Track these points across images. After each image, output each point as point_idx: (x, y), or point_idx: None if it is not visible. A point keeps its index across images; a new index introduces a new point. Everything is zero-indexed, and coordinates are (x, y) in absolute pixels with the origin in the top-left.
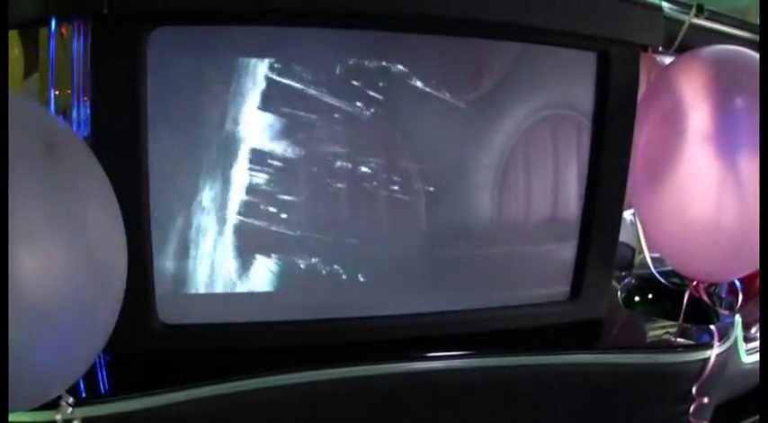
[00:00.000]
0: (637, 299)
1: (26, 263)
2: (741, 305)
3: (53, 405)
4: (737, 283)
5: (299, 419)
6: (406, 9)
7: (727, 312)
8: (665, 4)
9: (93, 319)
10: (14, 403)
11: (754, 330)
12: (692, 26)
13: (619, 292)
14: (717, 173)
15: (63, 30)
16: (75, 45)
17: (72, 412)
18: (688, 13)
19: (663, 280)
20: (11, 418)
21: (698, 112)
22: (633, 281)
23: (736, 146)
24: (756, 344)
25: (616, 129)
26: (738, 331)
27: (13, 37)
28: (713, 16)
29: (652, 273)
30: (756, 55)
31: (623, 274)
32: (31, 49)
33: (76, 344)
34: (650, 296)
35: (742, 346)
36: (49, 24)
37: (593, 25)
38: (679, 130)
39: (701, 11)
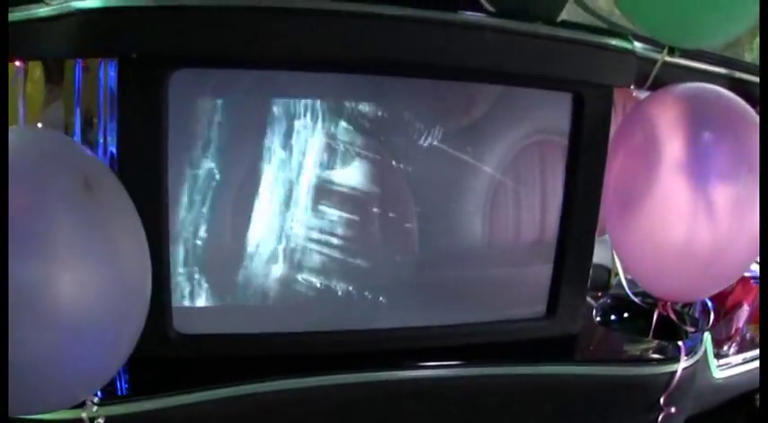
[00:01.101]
0: (613, 317)
1: (65, 284)
2: (713, 324)
3: (80, 404)
4: (709, 304)
5: (300, 420)
6: (402, 57)
7: (692, 329)
8: (639, 45)
9: (121, 334)
10: (49, 405)
11: (726, 347)
12: (666, 64)
13: (594, 311)
14: (687, 200)
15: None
16: (102, 81)
17: (96, 411)
18: (661, 52)
19: (636, 300)
20: (43, 416)
21: (669, 144)
22: (609, 300)
23: (707, 175)
24: (728, 360)
25: (588, 161)
26: (708, 347)
27: (36, 62)
28: (686, 54)
29: (627, 293)
30: (725, 91)
31: (599, 293)
32: (54, 75)
33: (106, 354)
34: (626, 315)
35: (713, 362)
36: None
37: (567, 70)
38: (651, 161)
39: (672, 51)
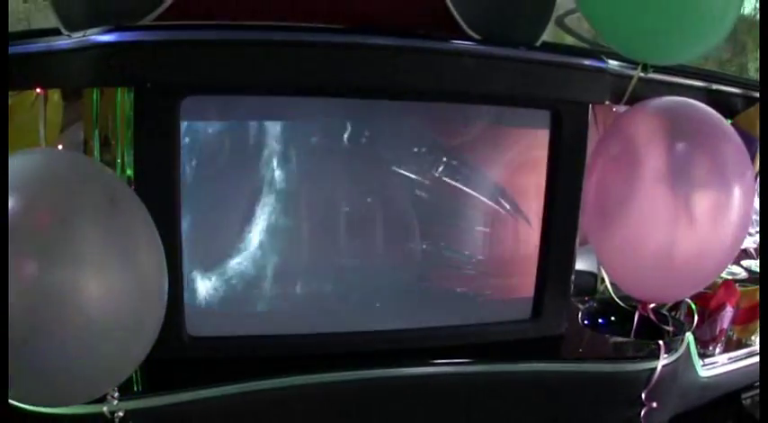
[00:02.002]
0: (600, 320)
1: (92, 288)
2: (697, 325)
3: (101, 399)
4: (693, 306)
5: (299, 415)
6: (392, 82)
7: (671, 329)
8: (615, 63)
9: (141, 333)
10: (75, 397)
11: (711, 348)
12: (644, 80)
13: (580, 314)
14: (663, 209)
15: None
16: (118, 107)
17: (117, 405)
18: (636, 69)
19: (622, 303)
20: (68, 410)
21: (645, 156)
22: (595, 304)
23: (682, 184)
24: (713, 360)
25: (568, 173)
26: (692, 347)
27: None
28: (664, 70)
29: (613, 297)
30: (699, 104)
31: (586, 298)
32: (73, 101)
33: (127, 352)
34: (612, 318)
35: (697, 362)
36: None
37: (545, 89)
38: (629, 172)
39: (645, 68)
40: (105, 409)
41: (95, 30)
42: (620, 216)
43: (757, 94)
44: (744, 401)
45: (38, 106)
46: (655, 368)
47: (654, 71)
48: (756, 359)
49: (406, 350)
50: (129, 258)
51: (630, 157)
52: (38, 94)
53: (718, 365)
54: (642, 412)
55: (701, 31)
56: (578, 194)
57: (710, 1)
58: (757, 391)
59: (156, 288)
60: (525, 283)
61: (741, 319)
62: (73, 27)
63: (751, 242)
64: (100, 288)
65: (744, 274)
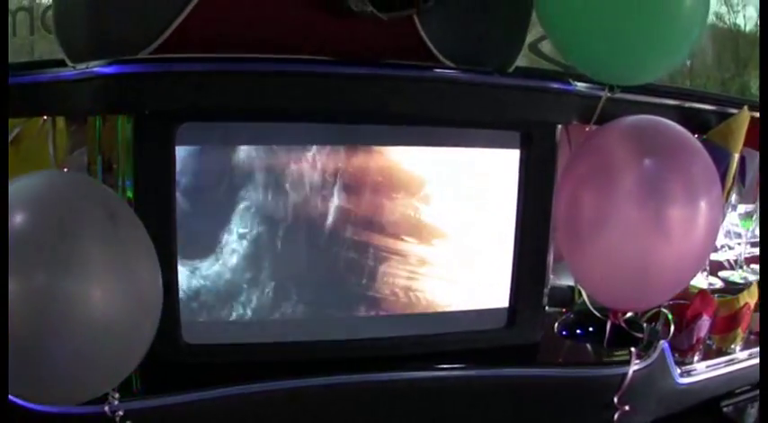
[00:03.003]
0: (578, 331)
1: (93, 296)
2: (674, 334)
3: (103, 399)
4: (669, 316)
5: (285, 418)
6: (374, 108)
7: (641, 336)
8: (584, 85)
9: (137, 337)
10: (77, 396)
11: (690, 356)
12: (616, 100)
13: (557, 324)
14: (633, 223)
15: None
16: (119, 133)
17: (117, 405)
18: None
19: (598, 314)
20: (72, 410)
21: (615, 173)
22: (573, 315)
23: (652, 200)
24: (691, 367)
25: (538, 190)
26: (667, 355)
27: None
28: (632, 90)
29: (590, 309)
30: (666, 121)
31: (564, 310)
32: (77, 127)
33: (124, 354)
34: (590, 329)
35: (674, 369)
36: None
37: (515, 112)
38: (599, 188)
39: (612, 89)
40: (107, 408)
41: (97, 62)
42: (591, 231)
43: (731, 110)
44: (724, 408)
45: (44, 133)
46: (626, 373)
47: (624, 91)
48: (735, 367)
49: (384, 357)
50: (128, 270)
51: (599, 174)
52: (44, 120)
53: (696, 373)
54: (615, 416)
55: (667, 50)
56: (548, 210)
57: (674, 21)
58: (738, 398)
59: (151, 297)
60: (500, 294)
61: (720, 329)
62: (76, 59)
63: (731, 255)
64: (100, 297)
65: (720, 285)
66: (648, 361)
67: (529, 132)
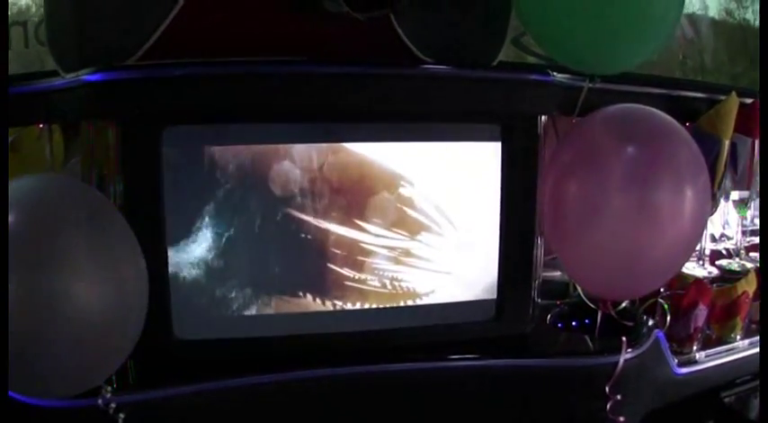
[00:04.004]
0: (573, 323)
1: (74, 291)
2: (670, 324)
3: (96, 392)
4: (665, 306)
5: (273, 409)
6: (357, 106)
7: (631, 324)
8: (565, 76)
9: (123, 331)
10: (68, 387)
11: (688, 345)
12: (598, 90)
13: (549, 316)
14: (620, 212)
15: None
16: (111, 137)
17: (109, 398)
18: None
19: (591, 304)
20: (67, 403)
21: (600, 162)
22: (566, 307)
23: (638, 188)
24: (690, 357)
25: (521, 182)
26: (662, 344)
27: (56, 126)
28: (611, 79)
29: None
30: (650, 109)
31: (558, 302)
32: (72, 137)
33: (110, 348)
34: (586, 320)
35: (670, 358)
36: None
37: (495, 105)
38: (586, 177)
39: (592, 79)
40: (100, 401)
41: (85, 70)
42: (576, 220)
43: (719, 97)
44: (725, 399)
45: (42, 140)
46: (617, 363)
47: (606, 81)
48: (736, 356)
49: (375, 349)
50: (111, 267)
51: (583, 164)
52: (41, 128)
53: (695, 362)
54: (608, 405)
55: (643, 37)
56: (532, 201)
57: (649, 8)
58: (739, 388)
59: (135, 293)
60: (490, 286)
61: (719, 318)
62: (68, 69)
63: (730, 244)
64: (83, 293)
65: (716, 273)
66: (640, 350)
67: (509, 125)
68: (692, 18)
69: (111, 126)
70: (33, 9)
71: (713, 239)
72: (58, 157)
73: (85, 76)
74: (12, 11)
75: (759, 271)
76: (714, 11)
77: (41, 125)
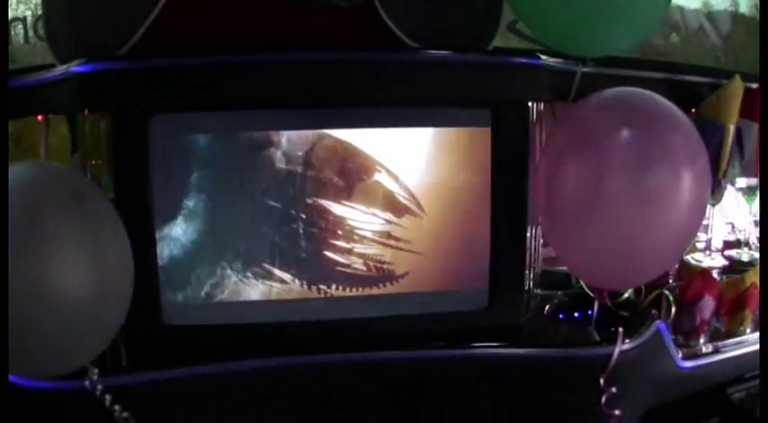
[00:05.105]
0: (576, 314)
1: (56, 273)
2: (675, 316)
3: (83, 374)
4: (670, 297)
5: (263, 396)
6: (344, 92)
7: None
8: (558, 60)
9: (106, 314)
10: (55, 368)
11: (694, 339)
12: (590, 76)
13: (548, 307)
14: (615, 196)
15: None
16: (103, 128)
17: (96, 380)
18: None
19: (591, 293)
20: (53, 384)
21: (595, 145)
22: (566, 298)
23: (634, 170)
24: (696, 350)
25: (511, 169)
26: (665, 336)
27: (62, 119)
28: (610, 63)
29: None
30: (646, 92)
31: (559, 292)
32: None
33: (93, 330)
34: (589, 312)
35: (673, 351)
36: (84, 112)
37: (483, 89)
38: (580, 162)
39: (584, 62)
40: (87, 383)
41: (75, 62)
42: (570, 206)
43: (723, 82)
44: (732, 395)
45: (41, 133)
46: (611, 354)
47: (600, 65)
48: (744, 350)
49: (365, 338)
50: (94, 250)
51: (577, 148)
52: (40, 120)
53: (701, 356)
54: (603, 399)
55: (635, 18)
56: (524, 188)
57: None
58: (748, 384)
59: (119, 275)
60: (482, 275)
61: (727, 310)
62: (63, 60)
63: (740, 234)
64: (68, 273)
65: (725, 263)
66: (639, 341)
67: (499, 110)
68: (723, 15)
69: (102, 116)
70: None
71: (722, 229)
72: (63, 152)
73: (74, 67)
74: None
75: (760, 266)
76: (745, 7)
77: (39, 117)
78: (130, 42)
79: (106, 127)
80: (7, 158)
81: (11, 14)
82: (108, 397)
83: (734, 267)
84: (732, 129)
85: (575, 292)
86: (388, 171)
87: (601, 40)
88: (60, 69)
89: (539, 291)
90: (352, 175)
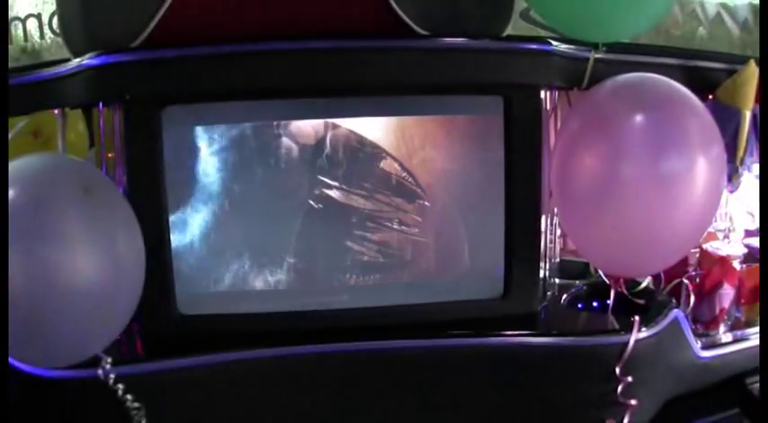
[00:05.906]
0: (595, 303)
1: (67, 263)
2: (694, 305)
3: (95, 363)
4: (689, 286)
5: (276, 385)
6: (356, 80)
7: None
8: (572, 47)
9: (117, 303)
10: (65, 357)
11: (714, 328)
12: (603, 61)
13: (565, 296)
14: (629, 182)
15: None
16: (117, 121)
17: (109, 369)
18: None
19: (608, 281)
20: (66, 373)
21: (610, 130)
22: (584, 287)
23: (648, 158)
24: (715, 340)
25: (524, 156)
26: (684, 326)
27: (79, 115)
28: (625, 49)
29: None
30: (660, 77)
31: (578, 282)
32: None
33: (102, 318)
34: (607, 301)
35: (692, 341)
36: (99, 106)
37: (495, 76)
38: (594, 147)
39: (596, 47)
40: (100, 372)
41: (87, 55)
42: (585, 193)
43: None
44: (751, 386)
45: (58, 127)
46: (627, 342)
47: (611, 51)
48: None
49: (379, 326)
50: (104, 239)
51: (592, 134)
52: (57, 114)
53: (721, 345)
54: (619, 388)
55: (645, 2)
56: (537, 176)
57: None
58: None
59: (130, 265)
60: (497, 264)
61: (747, 299)
62: (77, 54)
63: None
64: (78, 263)
65: (745, 252)
66: (655, 330)
67: (511, 97)
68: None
69: (114, 109)
70: None
71: (743, 218)
72: (82, 148)
73: (86, 60)
74: None
75: (760, 264)
76: None
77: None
78: (143, 35)
79: (120, 119)
80: (7, 158)
81: (28, 11)
82: (120, 386)
83: (754, 256)
84: (748, 114)
85: (593, 282)
86: (400, 160)
87: (613, 25)
88: (74, 63)
89: (556, 280)
90: (366, 163)
